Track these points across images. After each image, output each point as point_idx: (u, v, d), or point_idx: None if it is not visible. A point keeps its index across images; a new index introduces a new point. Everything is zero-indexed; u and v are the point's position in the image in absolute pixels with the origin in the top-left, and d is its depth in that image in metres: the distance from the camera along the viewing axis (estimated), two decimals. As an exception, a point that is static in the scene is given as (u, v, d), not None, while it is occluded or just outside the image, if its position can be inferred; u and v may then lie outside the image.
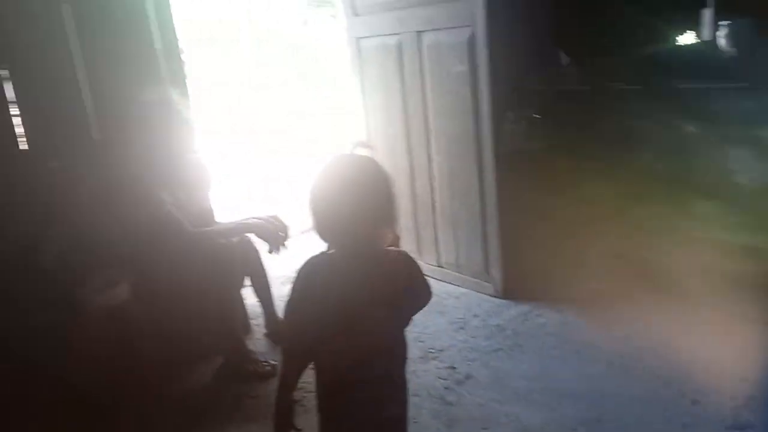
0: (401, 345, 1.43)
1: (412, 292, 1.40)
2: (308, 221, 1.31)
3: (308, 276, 1.33)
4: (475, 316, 2.73)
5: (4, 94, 2.25)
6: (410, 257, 1.40)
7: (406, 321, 1.46)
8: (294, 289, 1.35)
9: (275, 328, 2.69)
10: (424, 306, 1.49)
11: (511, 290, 2.82)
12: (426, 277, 1.43)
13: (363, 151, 1.38)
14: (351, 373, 1.31)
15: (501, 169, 2.65)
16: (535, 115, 2.73)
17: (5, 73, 2.28)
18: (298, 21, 15.31)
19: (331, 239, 1.31)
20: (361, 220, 1.27)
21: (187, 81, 2.62)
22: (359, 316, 1.29)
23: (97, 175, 2.35)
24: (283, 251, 2.35)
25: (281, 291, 2.99)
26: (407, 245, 3.21)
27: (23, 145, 2.36)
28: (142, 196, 2.24)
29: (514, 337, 2.51)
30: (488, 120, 2.58)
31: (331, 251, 1.34)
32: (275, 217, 2.39)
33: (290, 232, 2.37)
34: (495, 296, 2.86)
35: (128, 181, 2.27)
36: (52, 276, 2.25)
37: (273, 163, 7.09)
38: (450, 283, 3.07)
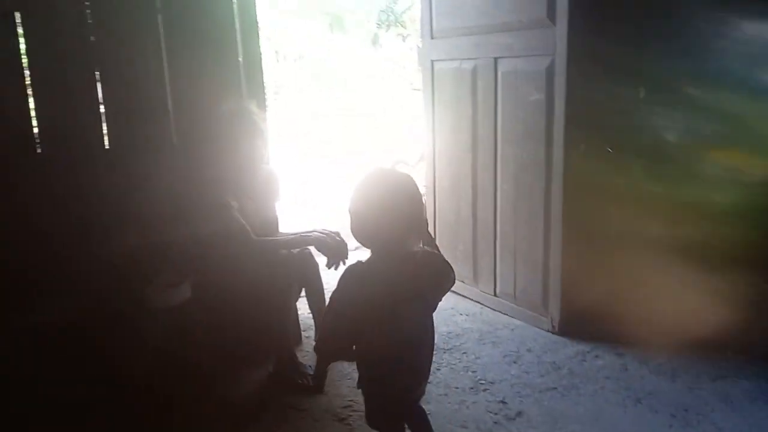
0: (429, 331, 1.65)
1: (436, 283, 1.63)
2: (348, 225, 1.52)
3: (347, 282, 1.55)
4: (530, 350, 2.65)
5: (97, 95, 2.38)
6: (434, 254, 1.64)
7: (433, 308, 1.67)
8: (333, 295, 1.56)
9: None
10: (448, 291, 1.71)
11: (568, 327, 2.73)
12: (447, 263, 1.66)
13: (400, 167, 1.61)
14: (384, 359, 1.53)
15: (569, 202, 2.58)
16: (608, 149, 2.65)
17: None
18: (368, 40, 15.51)
19: (368, 243, 1.54)
20: (397, 227, 1.50)
21: (265, 93, 2.69)
22: (393, 308, 1.51)
23: (172, 177, 2.44)
24: (340, 267, 2.37)
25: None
26: (463, 271, 3.18)
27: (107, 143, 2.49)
28: (212, 201, 2.30)
29: (570, 377, 2.42)
30: (560, 150, 2.53)
31: (367, 258, 1.57)
32: (337, 233, 2.43)
33: (349, 250, 2.39)
34: (551, 332, 2.77)
35: (201, 185, 2.34)
36: (122, 270, 2.35)
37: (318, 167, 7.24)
38: (505, 313, 3.00)
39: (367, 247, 1.57)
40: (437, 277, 1.63)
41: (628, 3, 2.50)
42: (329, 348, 1.65)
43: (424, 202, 1.55)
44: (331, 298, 1.58)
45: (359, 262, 1.58)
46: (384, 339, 1.53)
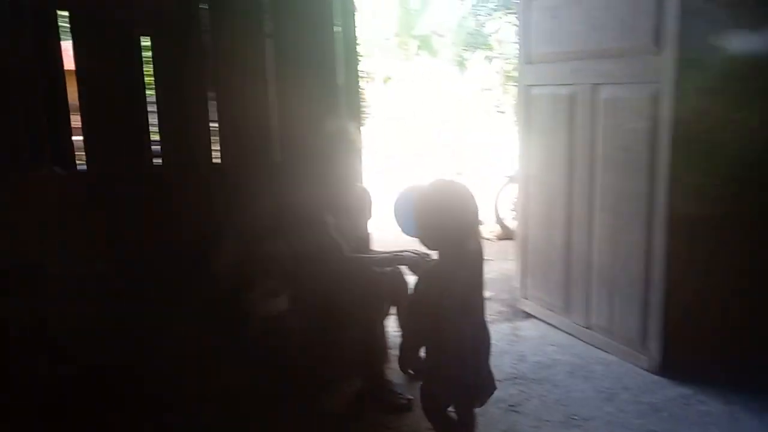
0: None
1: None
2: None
3: (429, 280, 1.83)
4: (626, 388, 2.53)
5: (207, 113, 2.54)
6: (480, 251, 1.86)
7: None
8: (415, 296, 1.84)
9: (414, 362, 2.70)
10: None
11: (669, 367, 2.58)
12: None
13: (456, 177, 1.95)
14: (460, 343, 1.80)
15: (674, 234, 2.46)
16: (716, 181, 2.51)
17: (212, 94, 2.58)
18: (454, 62, 15.60)
19: (434, 245, 1.82)
20: (460, 230, 1.78)
21: (362, 114, 2.78)
22: (465, 299, 1.82)
23: (273, 194, 2.55)
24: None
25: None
26: (554, 300, 3.09)
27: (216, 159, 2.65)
28: (310, 217, 2.39)
29: (672, 421, 2.27)
30: (665, 181, 2.42)
31: (436, 259, 1.86)
32: (427, 255, 2.43)
33: None
34: (650, 371, 2.62)
35: (299, 202, 2.44)
36: (223, 282, 2.47)
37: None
38: (598, 347, 2.88)
39: (433, 249, 1.86)
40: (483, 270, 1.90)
41: (737, 30, 2.38)
42: (412, 342, 1.95)
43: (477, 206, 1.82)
44: (413, 299, 1.87)
45: (433, 265, 1.90)
46: (460, 325, 1.80)
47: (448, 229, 1.77)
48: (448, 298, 1.76)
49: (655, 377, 2.59)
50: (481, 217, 1.86)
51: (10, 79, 2.27)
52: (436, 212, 1.78)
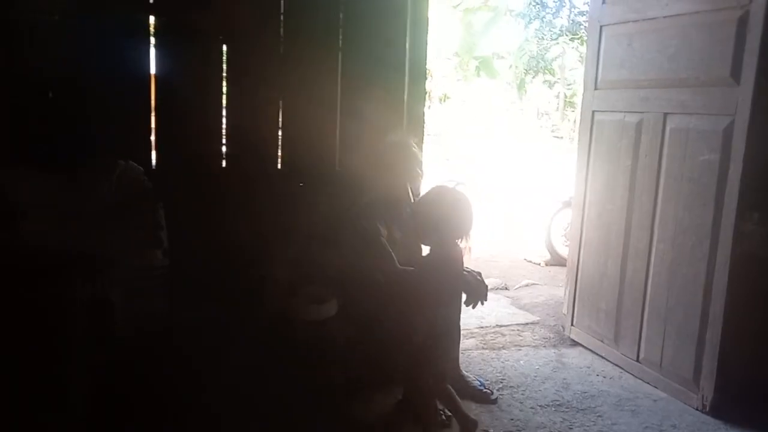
0: None
1: None
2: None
3: (429, 269, 2.15)
4: (674, 427, 2.45)
5: (278, 119, 2.64)
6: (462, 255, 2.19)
7: None
8: (414, 287, 2.19)
9: (453, 380, 2.69)
10: None
11: (722, 408, 2.49)
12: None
13: (459, 186, 2.12)
14: (449, 328, 2.27)
15: (737, 272, 2.39)
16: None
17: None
18: (514, 85, 15.54)
19: (430, 240, 2.15)
20: (453, 229, 2.09)
21: (424, 131, 2.82)
22: (456, 286, 2.24)
23: (332, 201, 2.62)
24: (478, 306, 2.38)
25: (463, 344, 3.01)
26: (603, 330, 3.04)
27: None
28: (365, 226, 2.43)
29: (721, 464, 2.20)
30: (732, 216, 2.36)
31: (429, 253, 2.18)
32: (478, 273, 2.44)
33: (488, 291, 2.41)
34: (701, 410, 2.54)
35: (356, 211, 2.49)
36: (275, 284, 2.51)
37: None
38: (647, 382, 2.80)
39: (428, 245, 2.19)
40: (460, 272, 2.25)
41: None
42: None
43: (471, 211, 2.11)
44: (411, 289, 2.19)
45: (429, 257, 2.19)
46: (450, 311, 2.21)
47: (444, 227, 2.07)
48: (446, 286, 2.15)
49: (706, 417, 2.50)
50: (470, 226, 2.11)
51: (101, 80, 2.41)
52: (432, 212, 2.08)
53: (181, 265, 2.31)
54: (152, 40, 2.51)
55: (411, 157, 2.51)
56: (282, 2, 2.61)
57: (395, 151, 2.50)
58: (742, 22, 2.32)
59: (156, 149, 2.55)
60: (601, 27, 3.02)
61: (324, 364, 2.42)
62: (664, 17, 2.66)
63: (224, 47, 2.59)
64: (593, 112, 3.08)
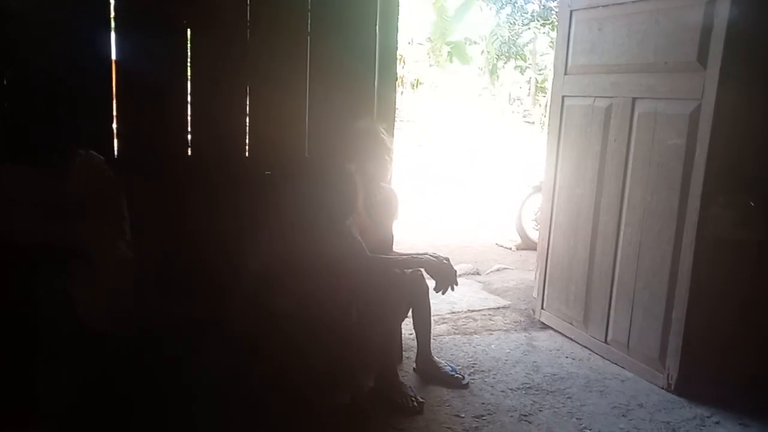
0: None
1: None
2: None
3: None
4: (641, 406, 2.50)
5: (246, 106, 2.58)
6: None
7: None
8: None
9: (425, 366, 2.71)
10: None
11: (686, 387, 2.55)
12: None
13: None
14: None
15: (701, 254, 2.43)
16: (750, 202, 2.48)
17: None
18: (486, 70, 15.64)
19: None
20: None
21: (395, 117, 2.80)
22: None
23: (300, 189, 2.57)
24: (448, 292, 2.39)
25: (435, 330, 3.03)
26: (573, 313, 3.08)
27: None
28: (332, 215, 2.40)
29: (687, 441, 2.26)
30: (697, 200, 2.40)
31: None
32: (446, 259, 2.44)
33: (459, 276, 2.41)
34: (666, 389, 2.60)
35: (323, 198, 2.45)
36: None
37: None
38: (615, 363, 2.86)
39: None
40: None
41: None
42: None
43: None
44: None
45: None
46: None
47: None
48: None
49: (672, 396, 2.56)
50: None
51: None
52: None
53: (146, 256, 2.26)
54: (113, 24, 2.42)
55: (379, 143, 2.49)
56: (248, -14, 2.54)
57: (363, 138, 2.47)
58: (710, 8, 2.34)
59: (118, 138, 2.47)
60: (571, 12, 3.03)
61: (299, 352, 2.40)
62: (633, 2, 2.68)
63: (188, 32, 2.51)
64: (563, 97, 3.10)
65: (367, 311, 2.34)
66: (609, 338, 2.90)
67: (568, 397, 2.56)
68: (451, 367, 2.69)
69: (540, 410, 2.44)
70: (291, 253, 2.30)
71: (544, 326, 3.32)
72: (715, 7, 2.32)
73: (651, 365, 2.68)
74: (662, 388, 2.61)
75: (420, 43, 14.86)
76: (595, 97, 2.89)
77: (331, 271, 2.38)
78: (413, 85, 14.50)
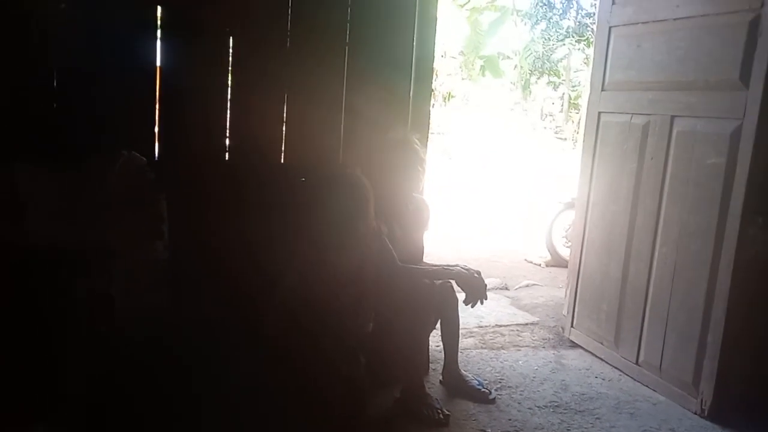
0: None
1: None
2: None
3: None
4: (672, 431, 2.44)
5: (283, 113, 2.63)
6: None
7: None
8: None
9: (452, 379, 2.69)
10: None
11: (720, 413, 2.47)
12: None
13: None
14: None
15: (739, 277, 2.38)
16: (792, 225, 2.42)
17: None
18: (519, 85, 15.58)
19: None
20: None
21: (429, 128, 2.81)
22: None
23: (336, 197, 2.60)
24: (478, 305, 2.38)
25: (462, 343, 3.00)
26: (604, 332, 3.03)
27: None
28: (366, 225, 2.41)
29: (719, 469, 2.19)
30: (736, 220, 2.35)
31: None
32: (477, 272, 2.43)
33: (488, 291, 2.40)
34: (699, 415, 2.53)
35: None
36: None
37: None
38: (646, 385, 2.79)
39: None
40: None
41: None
42: None
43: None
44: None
45: None
46: None
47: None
48: None
49: (704, 422, 2.49)
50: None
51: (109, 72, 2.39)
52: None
53: (181, 258, 2.30)
54: (158, 31, 2.49)
55: (413, 154, 2.50)
56: (290, -4, 2.60)
57: (397, 148, 2.49)
58: (753, 26, 2.30)
59: (159, 141, 2.54)
60: (610, 28, 3.01)
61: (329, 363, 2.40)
62: (675, 19, 2.65)
63: (230, 40, 2.58)
64: (599, 113, 3.07)
65: (395, 321, 2.34)
66: (640, 359, 2.84)
67: (597, 418, 2.51)
68: (478, 381, 2.67)
69: (568, 429, 2.40)
70: (322, 262, 2.31)
71: (574, 344, 3.26)
72: (759, 26, 2.28)
73: (684, 389, 2.62)
74: (695, 413, 2.54)
75: (453, 57, 14.89)
76: (633, 113, 2.86)
77: (360, 279, 2.40)
78: (445, 98, 14.51)
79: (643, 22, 2.82)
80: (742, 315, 2.42)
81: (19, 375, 1.88)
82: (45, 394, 1.91)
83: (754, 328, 2.45)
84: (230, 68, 2.59)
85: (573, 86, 16.43)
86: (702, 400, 2.52)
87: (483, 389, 2.61)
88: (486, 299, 2.40)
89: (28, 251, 1.96)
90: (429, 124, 2.83)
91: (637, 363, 2.86)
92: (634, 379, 2.85)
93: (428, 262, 2.68)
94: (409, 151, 2.52)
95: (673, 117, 2.64)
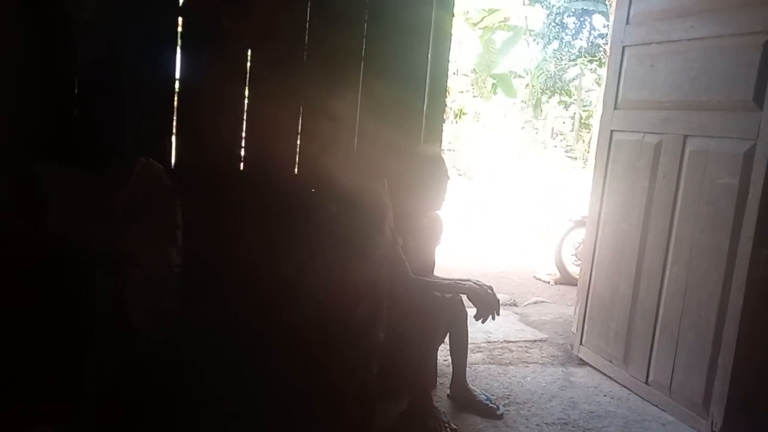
0: None
1: None
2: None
3: None
4: (682, 452, 2.42)
5: (298, 125, 2.66)
6: None
7: None
8: None
9: (459, 393, 2.68)
10: None
11: (730, 435, 2.46)
12: None
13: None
14: None
15: (752, 298, 2.37)
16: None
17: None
18: (530, 104, 15.67)
19: None
20: None
21: (442, 144, 2.84)
22: None
23: (347, 209, 2.62)
24: (488, 321, 2.38)
25: (470, 358, 3.00)
26: (613, 351, 3.01)
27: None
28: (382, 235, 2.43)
29: (730, 492, 2.16)
30: (749, 242, 2.34)
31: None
32: (490, 287, 2.43)
33: (499, 306, 2.41)
34: (710, 436, 2.51)
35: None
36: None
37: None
38: (655, 405, 2.77)
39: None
40: None
41: None
42: None
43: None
44: None
45: None
46: None
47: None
48: None
49: (715, 444, 2.47)
50: None
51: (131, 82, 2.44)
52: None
53: (195, 264, 2.33)
54: (179, 41, 2.54)
55: (442, 171, 2.52)
56: (308, 11, 2.64)
57: (427, 164, 2.51)
58: (767, 48, 2.32)
59: (176, 149, 2.58)
60: (623, 47, 3.03)
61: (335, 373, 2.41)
62: (689, 40, 2.67)
63: (249, 52, 2.62)
64: (612, 131, 3.08)
65: (404, 332, 2.34)
66: (650, 379, 2.82)
67: (607, 436, 2.50)
68: (486, 396, 2.66)
69: (577, 448, 2.39)
70: (341, 273, 2.33)
71: (582, 362, 3.25)
72: (774, 47, 2.30)
73: (694, 410, 2.59)
74: (705, 435, 2.53)
75: (465, 75, 14.98)
76: (645, 132, 2.87)
77: (377, 288, 2.41)
78: (457, 115, 14.58)
79: (657, 42, 2.84)
80: (754, 337, 2.40)
81: (33, 375, 1.90)
82: (62, 394, 1.93)
83: (766, 350, 2.43)
84: (248, 80, 2.63)
85: (584, 106, 16.46)
86: (712, 422, 2.50)
87: (491, 404, 2.61)
88: (498, 314, 2.41)
89: (44, 251, 2.00)
90: (442, 140, 2.85)
91: (646, 382, 2.84)
92: (643, 399, 2.83)
93: (438, 276, 2.69)
94: (439, 167, 2.54)
95: (685, 136, 2.65)
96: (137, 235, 2.16)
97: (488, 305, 2.37)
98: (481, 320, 2.38)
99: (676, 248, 2.69)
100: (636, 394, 2.88)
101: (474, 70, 14.89)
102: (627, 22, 3.02)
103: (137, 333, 2.02)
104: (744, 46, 2.42)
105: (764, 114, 2.31)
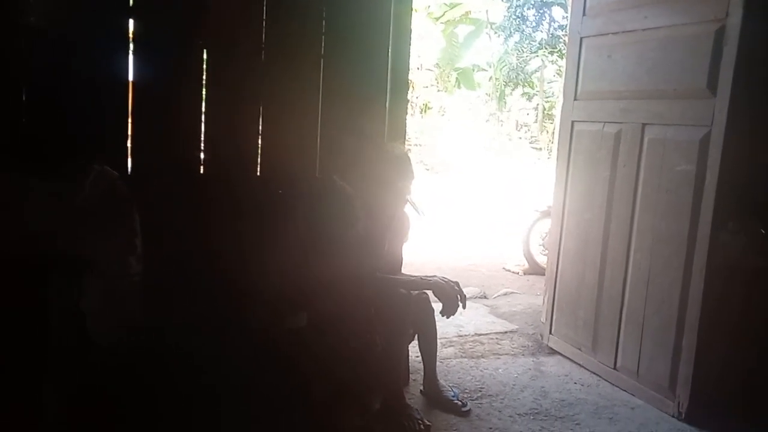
0: None
1: None
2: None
3: None
4: (651, 434, 2.47)
5: (259, 126, 2.61)
6: None
7: None
8: None
9: (430, 389, 2.68)
10: None
11: (696, 415, 2.51)
12: None
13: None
14: None
15: (712, 281, 2.42)
16: (761, 230, 2.47)
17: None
18: (494, 96, 15.78)
19: None
20: None
21: (406, 139, 2.82)
22: None
23: (313, 209, 2.59)
24: (458, 314, 2.38)
25: (442, 353, 3.01)
26: (581, 338, 3.05)
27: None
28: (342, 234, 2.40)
29: (697, 471, 2.21)
30: (707, 226, 2.40)
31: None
32: (456, 283, 2.43)
33: (466, 301, 2.40)
34: (677, 418, 2.56)
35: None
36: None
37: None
38: (624, 390, 2.82)
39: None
40: None
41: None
42: None
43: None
44: None
45: None
46: None
47: None
48: None
49: (682, 425, 2.52)
50: None
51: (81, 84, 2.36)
52: None
53: (156, 272, 2.27)
54: (131, 44, 2.46)
55: (409, 169, 2.50)
56: (264, 9, 2.59)
57: (395, 163, 2.47)
58: (719, 36, 2.37)
59: (132, 155, 2.50)
60: (581, 39, 3.07)
61: (303, 371, 2.38)
62: (644, 30, 2.71)
63: (204, 53, 2.56)
64: (573, 122, 3.12)
65: (371, 331, 2.33)
66: (618, 365, 2.87)
67: (576, 424, 2.52)
68: (454, 392, 2.65)
69: (549, 436, 2.41)
70: (302, 272, 2.30)
71: (552, 351, 3.29)
72: (725, 35, 2.35)
73: (661, 393, 2.65)
74: (672, 417, 2.58)
75: (429, 69, 15.02)
76: (605, 122, 2.91)
77: (341, 289, 2.38)
78: (422, 110, 14.62)
79: (613, 33, 2.88)
80: (715, 319, 2.46)
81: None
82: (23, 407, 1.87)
83: (728, 332, 2.49)
84: (204, 81, 2.57)
85: (547, 97, 16.68)
86: (679, 403, 2.56)
87: (456, 401, 2.59)
88: (464, 309, 2.40)
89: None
90: (405, 135, 2.84)
91: (614, 368, 2.89)
92: (613, 384, 2.88)
93: (406, 273, 2.68)
94: (407, 166, 2.52)
95: (644, 125, 2.69)
96: (94, 244, 2.09)
97: (454, 301, 2.37)
98: (446, 316, 2.38)
99: (639, 236, 2.74)
100: (605, 380, 2.93)
101: (437, 64, 14.95)
102: (584, 14, 3.06)
103: (96, 344, 1.96)
104: (697, 35, 2.47)
105: (717, 101, 2.36)
